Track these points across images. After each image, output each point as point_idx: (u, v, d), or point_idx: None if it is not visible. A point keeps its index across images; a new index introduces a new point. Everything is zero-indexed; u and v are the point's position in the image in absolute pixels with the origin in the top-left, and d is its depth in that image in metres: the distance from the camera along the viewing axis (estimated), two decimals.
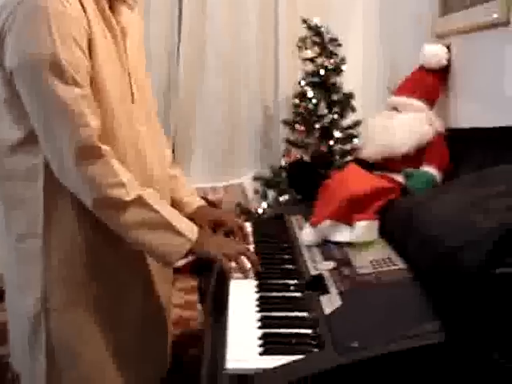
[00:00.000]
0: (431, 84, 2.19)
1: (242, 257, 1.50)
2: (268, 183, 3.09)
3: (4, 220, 1.47)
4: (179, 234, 1.43)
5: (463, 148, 1.91)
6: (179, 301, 2.44)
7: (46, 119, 1.33)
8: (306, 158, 2.83)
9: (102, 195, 1.35)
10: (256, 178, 3.18)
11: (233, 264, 1.49)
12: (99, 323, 1.47)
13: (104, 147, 1.35)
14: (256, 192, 3.21)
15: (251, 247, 1.68)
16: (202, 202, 1.76)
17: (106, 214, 1.39)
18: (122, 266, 1.47)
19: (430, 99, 2.14)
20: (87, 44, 1.35)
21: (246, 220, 2.19)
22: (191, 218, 1.68)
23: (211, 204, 2.80)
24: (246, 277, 1.48)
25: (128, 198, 1.37)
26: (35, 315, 1.44)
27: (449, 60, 2.21)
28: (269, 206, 3.02)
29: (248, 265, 1.50)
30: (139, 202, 1.38)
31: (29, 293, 1.44)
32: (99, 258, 1.45)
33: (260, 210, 3.01)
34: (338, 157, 2.85)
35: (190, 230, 1.46)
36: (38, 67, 1.29)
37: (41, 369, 1.45)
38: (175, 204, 1.68)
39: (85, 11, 1.34)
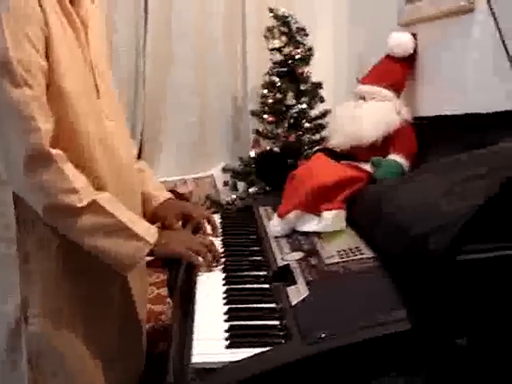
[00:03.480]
0: (398, 72, 2.18)
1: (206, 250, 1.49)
2: (237, 174, 3.08)
3: None
4: (137, 237, 1.39)
5: (430, 136, 1.91)
6: (150, 295, 2.42)
7: None
8: (275, 148, 2.82)
9: (52, 202, 1.31)
10: (225, 170, 3.16)
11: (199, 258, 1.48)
12: (80, 324, 1.44)
13: (56, 152, 1.30)
14: (225, 184, 3.19)
15: (219, 239, 1.67)
16: (170, 195, 1.74)
17: (58, 222, 1.35)
18: (98, 265, 1.42)
19: (397, 88, 2.14)
20: (44, 42, 1.29)
21: (216, 212, 2.17)
22: (158, 211, 1.67)
23: (182, 197, 2.78)
24: (210, 270, 1.47)
25: (80, 204, 1.32)
26: (15, 321, 1.41)
27: (415, 48, 2.21)
28: (239, 197, 3.01)
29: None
30: (93, 207, 1.34)
31: (8, 298, 1.41)
32: (75, 261, 1.42)
33: (230, 202, 2.99)
34: (306, 147, 2.85)
35: (149, 232, 1.42)
36: None
37: (22, 375, 1.42)
38: (143, 197, 1.66)
39: (41, 6, 1.29)
